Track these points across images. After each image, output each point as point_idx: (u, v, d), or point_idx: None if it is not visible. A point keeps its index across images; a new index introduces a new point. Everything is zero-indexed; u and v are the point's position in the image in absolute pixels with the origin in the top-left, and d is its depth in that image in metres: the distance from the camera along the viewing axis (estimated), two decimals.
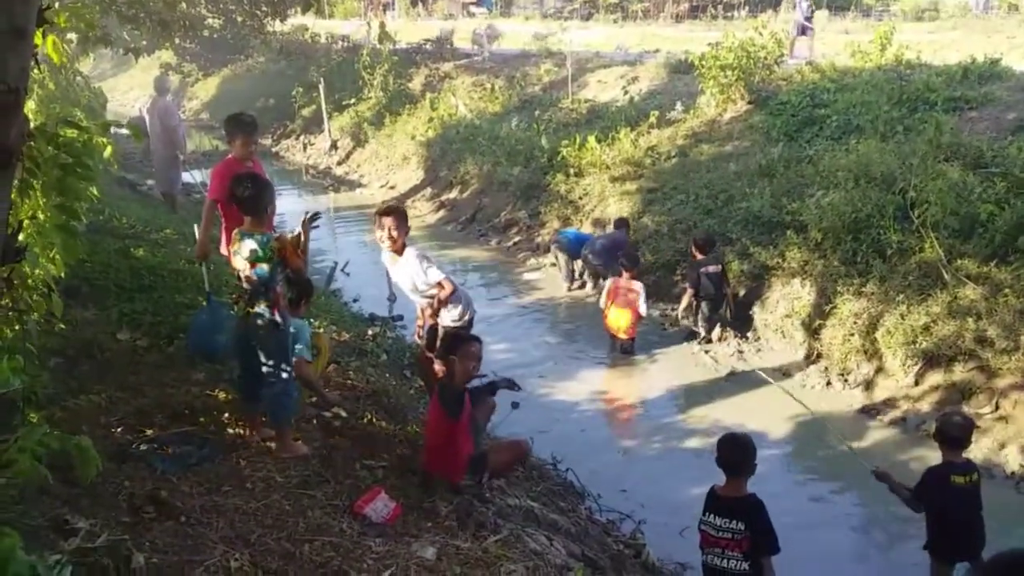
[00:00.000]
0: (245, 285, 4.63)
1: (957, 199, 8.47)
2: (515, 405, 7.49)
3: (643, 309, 9.50)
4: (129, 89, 34.63)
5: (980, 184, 8.69)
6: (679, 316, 10.05)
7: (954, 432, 5.02)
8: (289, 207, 18.00)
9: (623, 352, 9.60)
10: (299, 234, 4.94)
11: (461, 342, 4.99)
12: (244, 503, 4.06)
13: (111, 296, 6.62)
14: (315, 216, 5.12)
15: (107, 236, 8.91)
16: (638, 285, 9.55)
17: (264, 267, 4.55)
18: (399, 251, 5.76)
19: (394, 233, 5.66)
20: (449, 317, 5.99)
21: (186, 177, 13.95)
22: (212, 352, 5.57)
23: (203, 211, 6.49)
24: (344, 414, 5.58)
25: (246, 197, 4.63)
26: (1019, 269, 7.52)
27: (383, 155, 21.22)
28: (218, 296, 5.93)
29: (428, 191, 18.55)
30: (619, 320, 9.45)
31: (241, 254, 4.57)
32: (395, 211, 5.76)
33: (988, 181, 8.71)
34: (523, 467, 6.21)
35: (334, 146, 23.38)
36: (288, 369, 4.71)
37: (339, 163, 22.60)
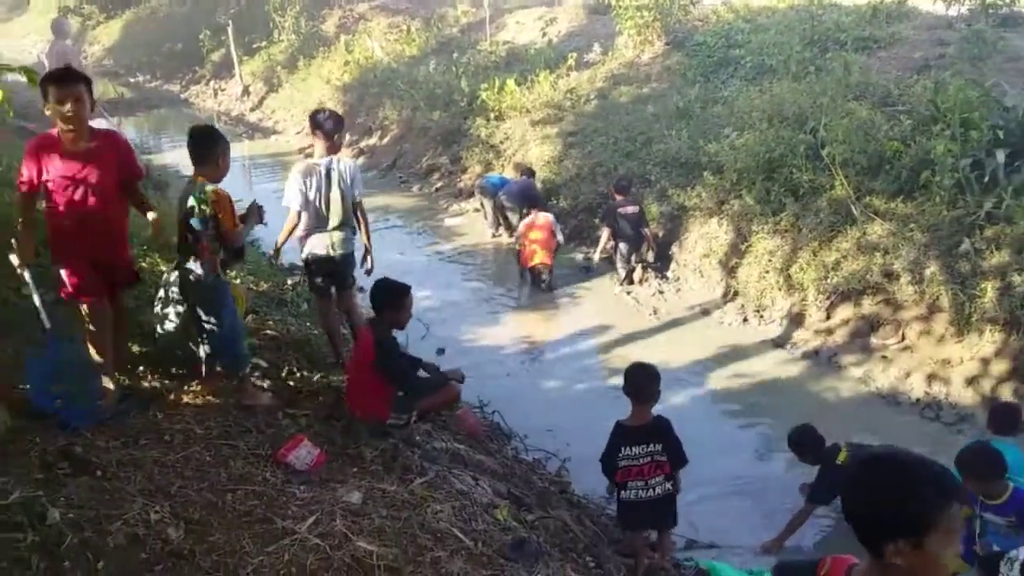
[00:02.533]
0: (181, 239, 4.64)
1: (865, 137, 8.70)
2: (440, 351, 7.54)
3: (559, 236, 9.97)
4: (25, 35, 32.70)
5: (887, 122, 8.94)
6: (597, 257, 10.18)
7: (807, 443, 5.33)
8: None
9: (543, 287, 9.79)
10: (248, 210, 4.85)
11: (399, 293, 4.97)
12: (163, 455, 3.99)
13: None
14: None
15: (5, 187, 8.45)
16: (550, 216, 10.02)
17: (196, 220, 4.49)
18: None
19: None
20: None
21: (93, 124, 13.31)
22: (60, 410, 4.25)
23: (17, 203, 4.61)
24: (264, 364, 5.49)
25: (195, 147, 4.62)
26: (923, 204, 7.79)
27: (298, 100, 20.63)
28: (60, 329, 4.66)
29: (347, 137, 18.15)
30: (537, 250, 9.73)
31: (183, 207, 4.54)
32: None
33: (895, 119, 8.96)
34: (450, 410, 6.25)
35: (246, 92, 22.64)
36: (224, 320, 4.68)
37: (252, 109, 21.92)
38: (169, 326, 4.91)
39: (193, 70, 25.77)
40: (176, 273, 4.79)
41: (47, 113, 4.30)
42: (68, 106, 4.16)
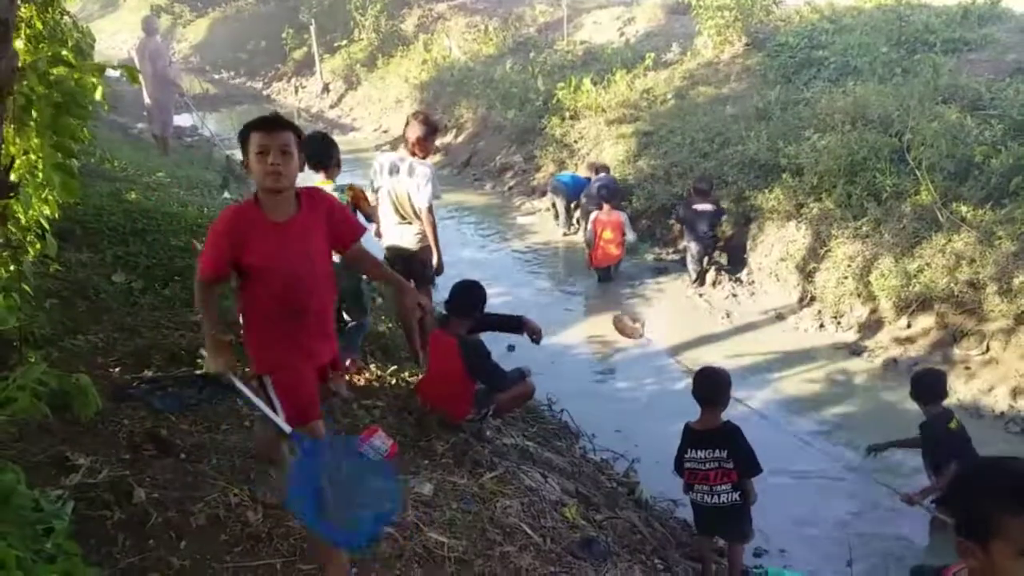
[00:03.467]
0: None
1: (953, 141, 8.43)
2: (511, 348, 7.57)
3: (630, 235, 10.02)
4: (116, 31, 33.95)
5: (977, 126, 8.64)
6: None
7: (926, 386, 5.13)
8: None
9: (601, 280, 10.03)
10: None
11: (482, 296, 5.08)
12: (243, 441, 4.11)
13: (104, 239, 6.58)
14: None
15: (99, 179, 8.84)
16: (621, 214, 10.03)
17: None
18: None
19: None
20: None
21: (178, 120, 13.83)
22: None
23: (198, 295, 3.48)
24: None
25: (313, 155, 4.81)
26: (1013, 212, 7.51)
27: (376, 98, 20.97)
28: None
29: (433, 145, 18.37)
30: (606, 247, 9.86)
31: None
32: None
33: (985, 123, 8.66)
34: (520, 408, 6.29)
35: (326, 89, 23.10)
36: (367, 316, 5.43)
37: (331, 106, 22.35)
38: None
39: (276, 67, 26.41)
40: None
41: (246, 171, 3.41)
42: (271, 158, 3.13)
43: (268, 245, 3.18)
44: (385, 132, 19.17)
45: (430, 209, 5.85)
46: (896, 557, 5.14)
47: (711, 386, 4.38)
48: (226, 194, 11.65)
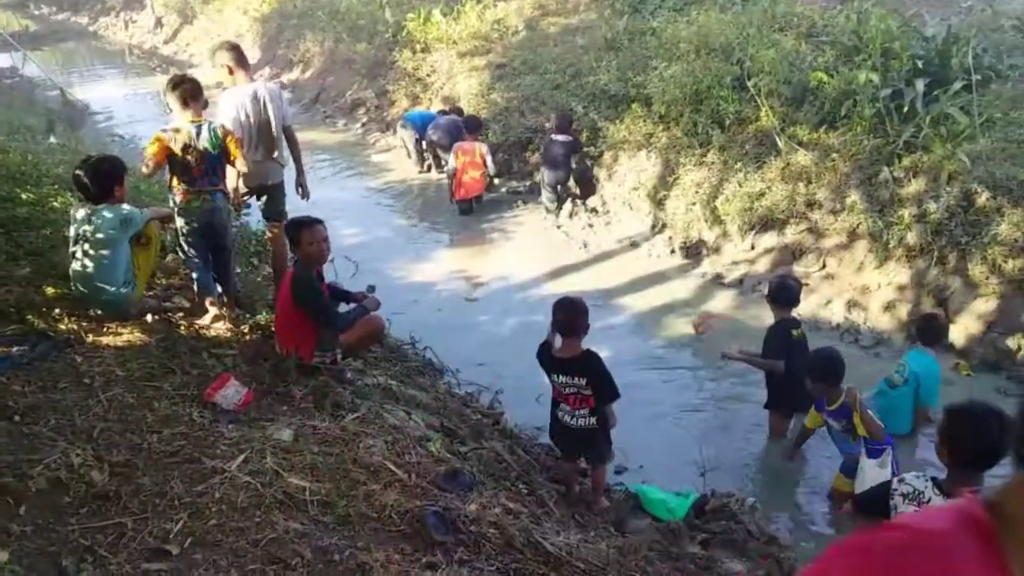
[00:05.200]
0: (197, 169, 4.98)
1: (790, 68, 8.78)
2: (371, 288, 7.43)
3: (491, 166, 10.15)
4: None
5: (811, 53, 9.03)
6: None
7: (786, 293, 5.42)
8: (114, 92, 16.71)
9: (462, 213, 10.14)
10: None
11: (304, 226, 4.80)
12: (83, 399, 3.86)
13: None
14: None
15: None
16: (483, 145, 10.14)
17: (215, 155, 5.03)
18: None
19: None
20: None
21: None
22: None
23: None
24: (187, 304, 5.34)
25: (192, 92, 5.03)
26: (846, 134, 7.94)
27: (214, 33, 19.84)
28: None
29: (267, 71, 17.57)
30: (469, 181, 9.99)
31: (202, 142, 4.97)
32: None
33: (819, 50, 9.06)
34: (381, 347, 6.21)
35: (159, 23, 21.67)
36: (234, 246, 5.54)
37: (166, 42, 21.03)
38: (76, 265, 4.75)
39: (102, 1, 24.47)
40: (118, 212, 4.79)
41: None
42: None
43: None
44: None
45: None
46: (744, 463, 5.47)
47: (569, 316, 4.43)
48: (52, 139, 10.80)
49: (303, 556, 3.00)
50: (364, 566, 2.99)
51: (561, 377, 4.44)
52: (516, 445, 5.16)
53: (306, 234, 4.71)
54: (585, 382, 4.36)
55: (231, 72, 5.77)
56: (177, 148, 4.92)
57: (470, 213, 10.16)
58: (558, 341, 4.48)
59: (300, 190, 6.22)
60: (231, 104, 5.66)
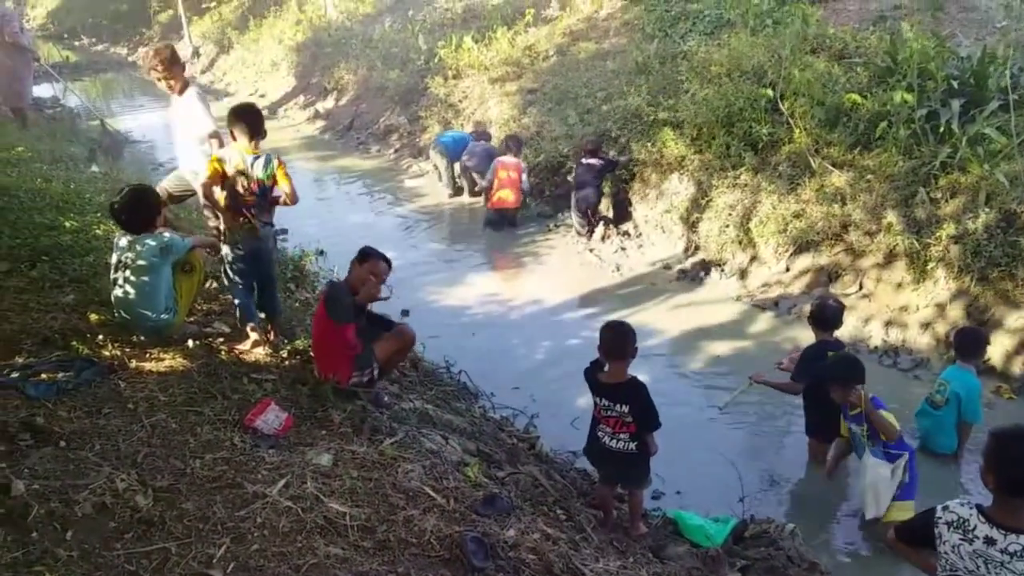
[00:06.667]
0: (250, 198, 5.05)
1: (823, 90, 8.75)
2: (405, 312, 7.51)
3: (525, 184, 10.42)
4: None
5: (844, 74, 9.00)
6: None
7: (827, 315, 5.41)
8: (153, 121, 17.04)
9: (509, 224, 10.48)
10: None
11: (370, 256, 4.91)
12: (127, 424, 3.92)
13: None
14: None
15: None
16: (521, 163, 10.44)
17: (265, 187, 5.10)
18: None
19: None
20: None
21: (37, 91, 12.93)
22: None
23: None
24: (227, 330, 5.42)
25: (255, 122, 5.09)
26: (880, 155, 7.88)
27: (250, 62, 20.21)
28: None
29: (301, 99, 17.85)
30: (505, 194, 10.32)
31: (256, 171, 5.04)
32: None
33: (852, 71, 9.02)
34: (416, 371, 6.25)
35: (196, 53, 22.11)
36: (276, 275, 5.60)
37: (203, 71, 21.44)
38: (118, 291, 4.85)
39: (140, 32, 25.10)
40: (159, 239, 4.89)
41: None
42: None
43: None
44: (262, 97, 18.51)
45: None
46: (783, 489, 5.40)
47: (617, 340, 4.42)
48: (94, 167, 11.03)
49: None
50: None
51: (604, 401, 4.43)
52: (552, 470, 5.15)
53: (368, 264, 4.86)
54: (627, 409, 4.35)
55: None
56: (230, 170, 5.00)
57: (501, 228, 10.45)
58: (606, 365, 4.46)
59: None
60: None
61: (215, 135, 6.19)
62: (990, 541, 2.77)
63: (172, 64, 6.17)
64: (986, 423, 5.27)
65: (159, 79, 6.16)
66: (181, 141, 6.39)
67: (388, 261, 5.04)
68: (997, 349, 6.35)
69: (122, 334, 4.91)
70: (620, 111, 10.84)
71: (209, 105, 6.42)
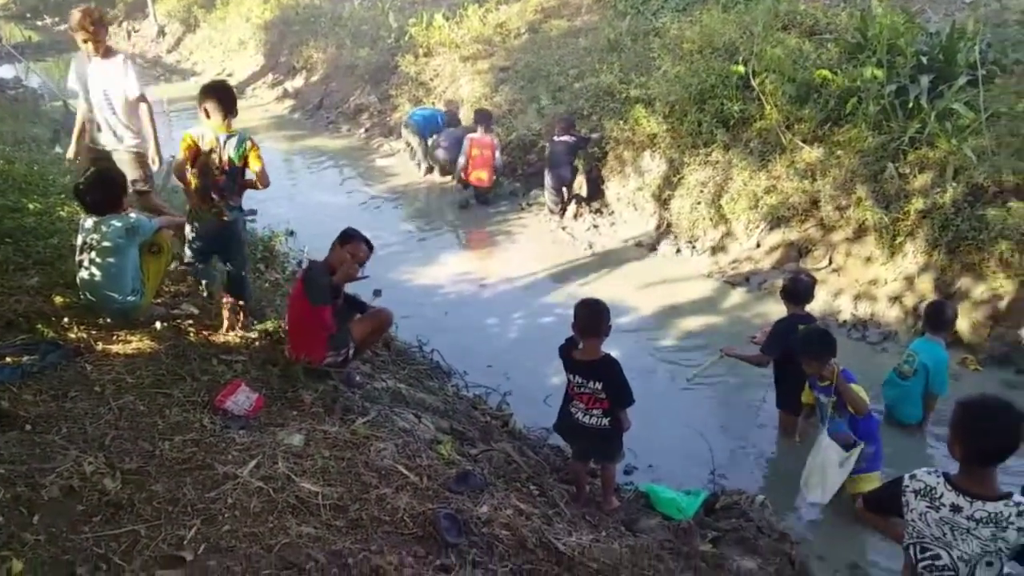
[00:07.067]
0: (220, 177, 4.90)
1: (794, 66, 8.77)
2: (377, 292, 7.46)
3: (499, 161, 10.42)
4: None
5: (815, 51, 9.02)
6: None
7: (800, 289, 5.45)
8: None
9: (480, 202, 10.53)
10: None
11: (351, 238, 4.87)
12: (94, 407, 3.87)
13: None
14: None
15: None
16: (494, 140, 10.41)
17: (236, 167, 4.93)
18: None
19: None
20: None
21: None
22: None
23: None
24: (195, 311, 5.35)
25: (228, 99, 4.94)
26: (850, 131, 7.92)
27: (217, 40, 19.89)
28: None
29: (269, 78, 17.62)
30: (479, 173, 10.35)
31: (228, 151, 4.87)
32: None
33: (822, 47, 9.05)
34: (388, 350, 6.23)
35: (161, 32, 21.75)
36: (245, 257, 5.41)
37: (169, 51, 21.09)
38: (83, 273, 4.77)
39: (105, 10, 24.60)
40: (125, 220, 4.80)
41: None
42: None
43: None
44: (230, 76, 18.25)
45: None
46: (754, 462, 5.46)
47: (591, 318, 4.41)
48: (57, 148, 10.83)
49: (317, 560, 3.00)
50: (378, 570, 2.99)
51: (578, 377, 4.43)
52: (526, 446, 5.16)
53: (350, 245, 4.85)
54: (601, 386, 4.36)
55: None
56: (204, 146, 4.91)
57: (479, 203, 10.55)
58: (580, 342, 4.46)
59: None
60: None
61: (144, 98, 6.23)
62: (956, 508, 2.81)
63: (100, 26, 6.08)
64: (952, 394, 5.34)
65: (85, 40, 5.99)
66: (101, 105, 6.22)
67: (370, 244, 5.00)
68: (963, 321, 6.44)
69: (88, 316, 4.84)
70: (592, 89, 10.81)
71: None
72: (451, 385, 6.18)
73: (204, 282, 5.38)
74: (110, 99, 6.15)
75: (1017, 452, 2.78)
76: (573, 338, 4.48)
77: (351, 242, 4.90)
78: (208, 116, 4.93)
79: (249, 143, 5.00)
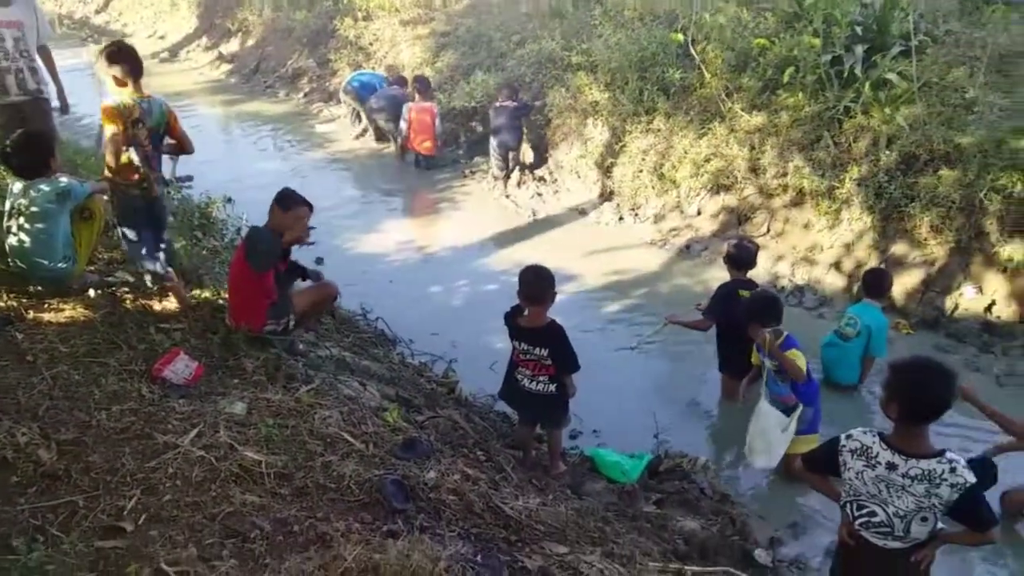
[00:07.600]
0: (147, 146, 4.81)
1: (733, 34, 8.84)
2: (319, 260, 7.35)
3: (439, 128, 10.39)
4: None
5: (753, 19, 9.10)
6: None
7: (743, 255, 5.52)
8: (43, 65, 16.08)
9: (426, 167, 10.51)
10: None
11: (294, 202, 4.68)
12: (26, 377, 3.75)
13: None
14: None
15: None
16: (434, 107, 10.36)
17: (159, 134, 4.90)
18: None
19: None
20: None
21: None
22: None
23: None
24: (131, 279, 5.20)
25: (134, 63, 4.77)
26: (788, 99, 8.04)
27: (148, 1, 19.19)
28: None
29: (204, 41, 17.10)
30: (423, 139, 10.34)
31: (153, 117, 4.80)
32: None
33: (760, 16, 9.13)
34: (333, 318, 6.15)
35: None
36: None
37: (97, 11, 20.31)
38: (12, 240, 4.60)
39: None
40: (55, 185, 4.63)
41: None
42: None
43: None
44: (162, 38, 17.66)
45: None
46: (696, 425, 5.56)
47: (536, 285, 4.41)
48: None
49: (262, 528, 2.97)
50: (324, 536, 2.97)
51: (523, 344, 4.44)
52: (472, 413, 5.17)
53: (292, 211, 4.62)
54: (547, 353, 4.37)
55: None
56: (129, 122, 4.74)
57: (426, 168, 10.55)
58: (526, 310, 4.46)
59: None
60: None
61: (44, 47, 6.21)
62: (892, 466, 2.90)
63: None
64: (886, 357, 5.51)
65: None
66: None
67: (310, 205, 4.82)
68: (897, 287, 6.63)
69: (18, 284, 4.68)
70: (534, 55, 10.75)
71: None
72: (396, 353, 6.15)
73: (151, 273, 5.10)
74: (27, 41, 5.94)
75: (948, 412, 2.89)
76: (518, 305, 4.48)
77: (293, 207, 4.71)
78: (120, 83, 4.74)
79: (165, 106, 4.88)
